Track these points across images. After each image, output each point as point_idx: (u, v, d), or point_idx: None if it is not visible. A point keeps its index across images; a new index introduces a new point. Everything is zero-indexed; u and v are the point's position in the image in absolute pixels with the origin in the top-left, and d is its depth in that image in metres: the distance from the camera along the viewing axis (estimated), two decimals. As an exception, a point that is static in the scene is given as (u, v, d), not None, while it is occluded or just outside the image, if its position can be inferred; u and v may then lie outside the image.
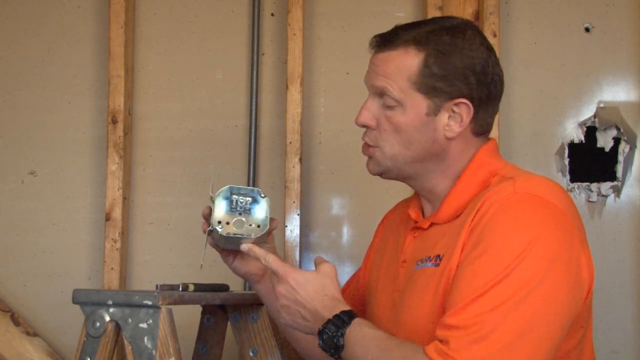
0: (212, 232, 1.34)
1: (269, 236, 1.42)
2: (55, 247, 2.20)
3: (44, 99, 2.24)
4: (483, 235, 1.14)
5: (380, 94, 1.27)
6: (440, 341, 1.10)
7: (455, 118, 1.25)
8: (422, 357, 1.10)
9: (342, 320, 1.19)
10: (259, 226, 1.33)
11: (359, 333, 1.17)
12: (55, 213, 2.21)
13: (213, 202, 1.33)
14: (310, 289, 1.24)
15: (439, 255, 1.22)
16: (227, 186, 1.34)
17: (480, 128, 1.28)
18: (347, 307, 1.22)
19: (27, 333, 2.14)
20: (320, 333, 1.20)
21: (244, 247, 1.33)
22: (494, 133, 1.38)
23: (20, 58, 2.26)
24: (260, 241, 1.37)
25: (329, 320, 1.20)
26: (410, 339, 1.20)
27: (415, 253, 1.29)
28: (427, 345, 1.11)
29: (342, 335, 1.18)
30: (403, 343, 1.16)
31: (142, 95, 2.22)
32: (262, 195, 1.35)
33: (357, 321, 1.19)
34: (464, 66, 1.23)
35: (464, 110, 1.24)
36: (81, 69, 2.24)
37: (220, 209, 1.32)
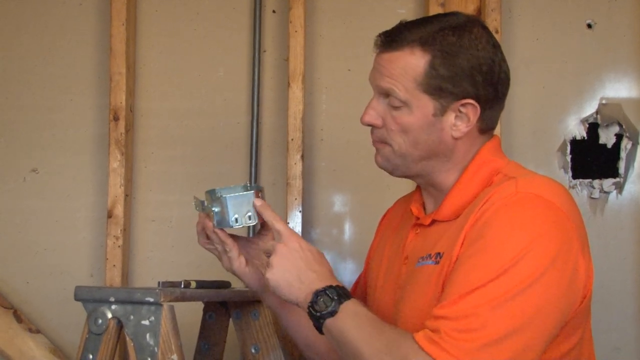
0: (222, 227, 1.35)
1: (269, 231, 1.41)
2: (58, 245, 2.20)
3: (45, 96, 2.24)
4: (482, 232, 1.14)
5: (386, 94, 1.26)
6: (430, 330, 1.10)
7: (462, 118, 1.24)
8: (411, 342, 1.10)
9: (345, 292, 1.20)
10: (249, 217, 1.33)
11: (355, 308, 1.18)
12: (58, 210, 2.21)
13: (211, 209, 1.34)
14: (315, 255, 1.26)
15: (439, 253, 1.22)
16: (210, 190, 1.35)
17: (487, 126, 1.28)
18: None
19: (30, 330, 2.14)
20: (318, 293, 1.20)
21: (258, 201, 1.32)
22: (495, 130, 1.37)
23: (22, 56, 2.26)
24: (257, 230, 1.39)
25: (332, 285, 1.20)
26: None
27: (417, 250, 1.29)
28: (417, 332, 1.11)
29: (340, 303, 1.18)
30: (395, 328, 1.17)
31: (143, 93, 2.22)
32: (248, 188, 1.36)
33: (356, 300, 1.20)
34: (470, 66, 1.22)
35: (471, 110, 1.24)
36: (82, 67, 2.24)
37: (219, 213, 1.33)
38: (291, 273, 1.24)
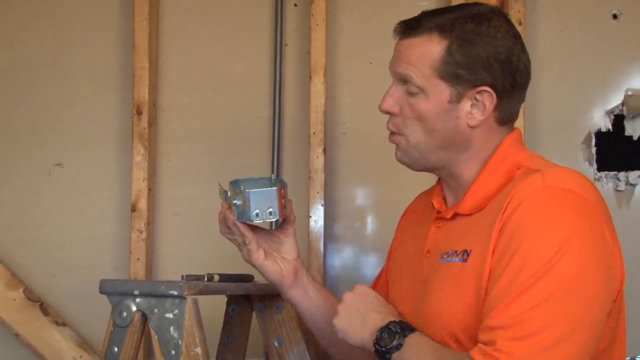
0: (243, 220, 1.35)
1: (290, 225, 1.42)
2: (82, 238, 2.22)
3: (68, 91, 2.26)
4: (515, 233, 1.13)
5: (404, 80, 1.26)
6: (485, 344, 1.10)
7: (478, 106, 1.24)
8: None
9: (408, 325, 1.23)
10: (270, 213, 1.34)
11: (419, 340, 1.20)
12: (82, 204, 2.23)
13: (233, 201, 1.34)
14: (380, 301, 1.30)
15: (466, 250, 1.21)
16: (234, 181, 1.36)
17: (505, 117, 1.27)
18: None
19: (56, 323, 2.16)
20: (382, 329, 1.22)
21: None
22: (519, 123, 1.37)
23: (45, 50, 2.27)
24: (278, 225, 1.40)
25: (395, 321, 1.23)
26: (432, 332, 1.22)
27: (440, 244, 1.29)
28: (472, 349, 1.11)
29: (405, 336, 1.20)
30: (453, 351, 1.18)
31: (165, 87, 2.23)
32: (272, 181, 1.37)
33: (419, 333, 1.22)
34: (488, 54, 1.22)
35: (487, 98, 1.23)
36: (105, 61, 2.25)
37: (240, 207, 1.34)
38: (356, 317, 1.26)
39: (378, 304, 1.28)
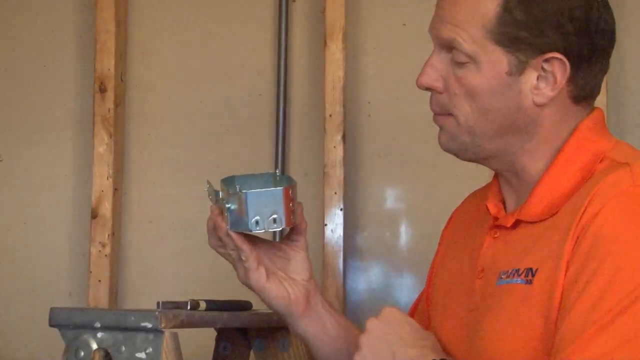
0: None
1: (300, 236, 1.41)
2: (27, 254, 2.25)
3: (11, 62, 2.29)
4: (596, 247, 1.12)
5: (449, 47, 1.25)
6: None
7: (546, 78, 1.22)
8: None
9: None
10: (274, 220, 1.34)
11: None
12: (26, 209, 2.25)
13: (225, 204, 1.34)
14: (416, 329, 1.28)
15: (530, 269, 1.20)
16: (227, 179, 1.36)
17: (582, 92, 1.25)
18: None
19: (-8, 364, 2.16)
20: None
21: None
22: (600, 101, 1.35)
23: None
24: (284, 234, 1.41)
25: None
26: None
27: (498, 261, 1.28)
28: None
29: None
30: None
31: (137, 57, 2.26)
32: (277, 179, 1.37)
33: None
34: (557, 10, 1.21)
35: (558, 68, 1.21)
36: (60, 24, 2.28)
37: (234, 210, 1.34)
38: (383, 352, 1.25)
39: (413, 335, 1.26)
